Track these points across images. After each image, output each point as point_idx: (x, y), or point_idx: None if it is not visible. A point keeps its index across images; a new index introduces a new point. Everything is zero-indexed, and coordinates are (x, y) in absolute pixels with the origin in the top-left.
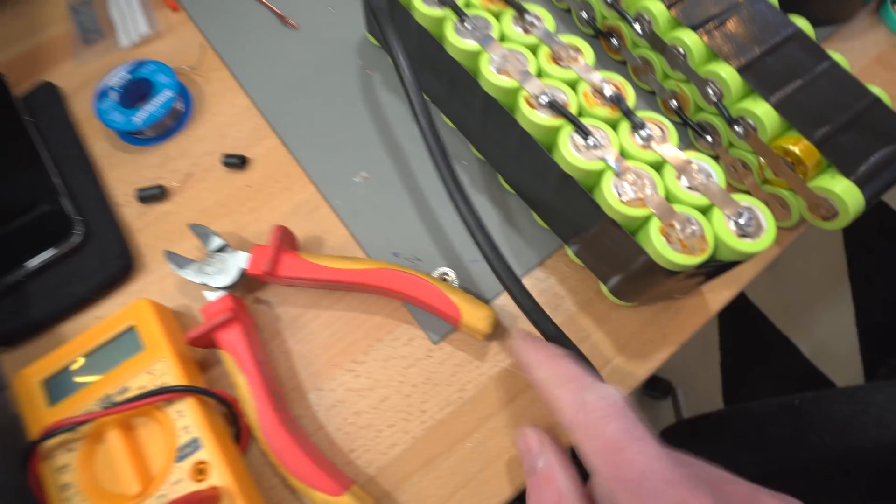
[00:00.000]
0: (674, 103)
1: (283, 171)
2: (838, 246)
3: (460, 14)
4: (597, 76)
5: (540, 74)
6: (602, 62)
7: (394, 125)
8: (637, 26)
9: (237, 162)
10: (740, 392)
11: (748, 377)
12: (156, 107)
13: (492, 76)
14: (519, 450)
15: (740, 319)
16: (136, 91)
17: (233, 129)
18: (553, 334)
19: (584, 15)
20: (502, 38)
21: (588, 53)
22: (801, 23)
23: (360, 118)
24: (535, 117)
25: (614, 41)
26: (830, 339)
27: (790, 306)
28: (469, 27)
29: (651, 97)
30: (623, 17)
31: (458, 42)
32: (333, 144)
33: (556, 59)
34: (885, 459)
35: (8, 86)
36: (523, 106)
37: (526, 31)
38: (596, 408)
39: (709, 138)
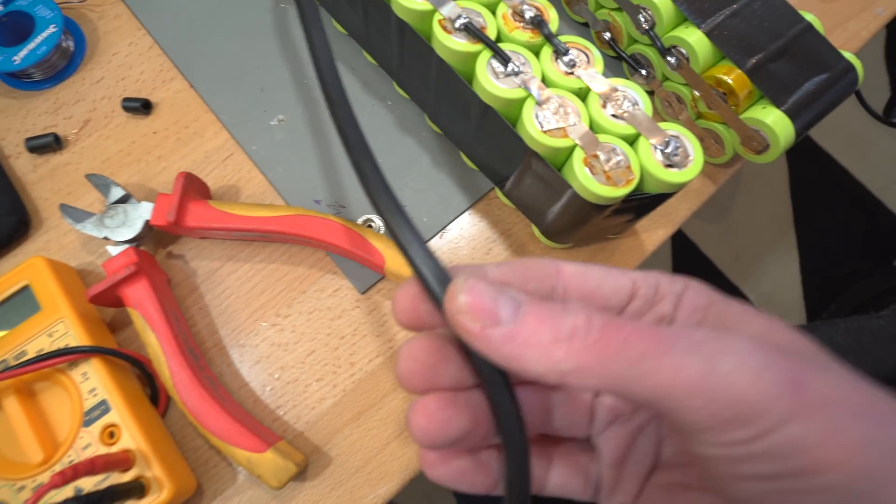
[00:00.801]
0: (607, 35)
1: (192, 116)
2: (785, 196)
3: None
4: None
5: None
6: None
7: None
8: None
9: (139, 106)
10: None
11: None
12: (38, 44)
13: None
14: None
15: (692, 269)
16: (15, 27)
17: (133, 71)
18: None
19: None
20: None
21: None
22: None
23: (274, 57)
24: (450, 43)
25: None
26: (777, 288)
27: (740, 256)
28: None
29: (584, 30)
30: None
31: None
32: (247, 86)
33: None
34: None
35: None
36: (438, 31)
37: None
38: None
39: (643, 72)
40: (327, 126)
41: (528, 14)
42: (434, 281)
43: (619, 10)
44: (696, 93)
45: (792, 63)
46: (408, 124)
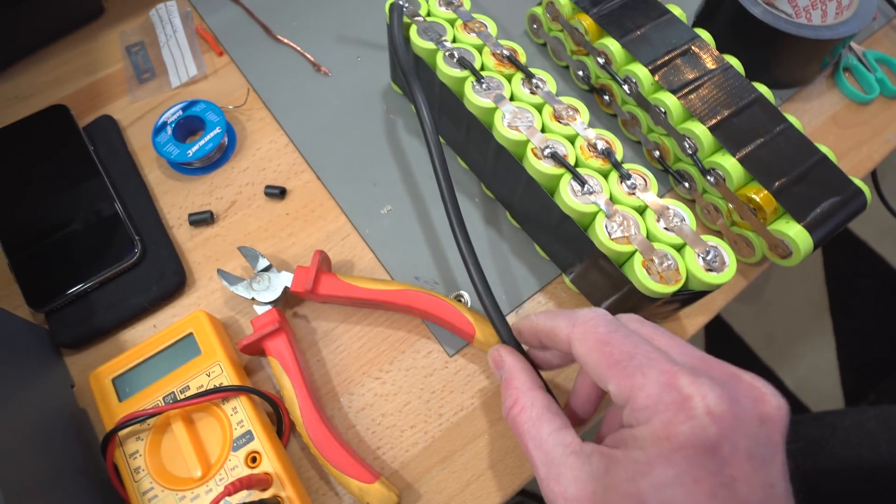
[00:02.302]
0: (657, 153)
1: (317, 202)
2: (820, 281)
3: (478, 76)
4: (591, 133)
5: (544, 130)
6: (596, 115)
7: (414, 165)
8: (625, 87)
9: (277, 192)
10: None
11: None
12: (206, 141)
13: (504, 130)
14: (492, 369)
15: (726, 350)
16: (187, 126)
17: (272, 163)
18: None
19: (581, 73)
20: (512, 98)
21: (584, 113)
22: (763, 89)
23: (385, 157)
24: (539, 166)
25: (606, 97)
26: (813, 373)
27: (774, 339)
28: (485, 87)
29: (638, 146)
30: (613, 78)
31: (476, 100)
32: (362, 180)
33: (558, 118)
34: (850, 479)
35: (73, 117)
36: (530, 156)
37: (532, 91)
38: (587, 318)
39: (686, 185)
40: (426, 216)
41: (600, 146)
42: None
43: (667, 135)
44: (731, 206)
45: (810, 186)
46: (491, 218)
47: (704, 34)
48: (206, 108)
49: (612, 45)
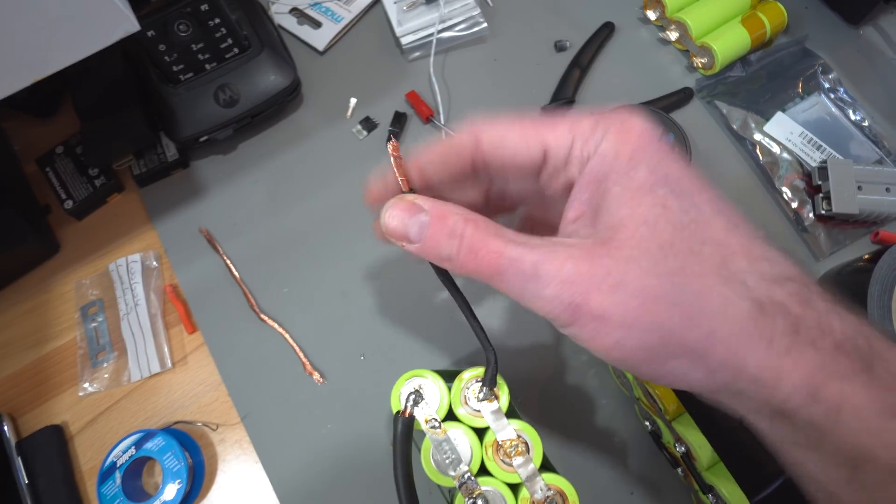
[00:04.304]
0: None
1: None
2: None
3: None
4: None
5: None
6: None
7: None
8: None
9: None
10: None
11: None
12: (163, 502)
13: None
14: (394, 235)
15: None
16: (140, 467)
17: None
18: None
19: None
20: None
21: None
22: None
23: None
24: None
25: (680, 471)
26: None
27: None
28: None
29: None
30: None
31: None
32: None
33: None
34: None
35: (6, 433)
36: None
37: None
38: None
39: None
40: None
41: None
42: None
43: None
44: None
45: None
46: None
47: None
48: (166, 446)
49: (698, 441)
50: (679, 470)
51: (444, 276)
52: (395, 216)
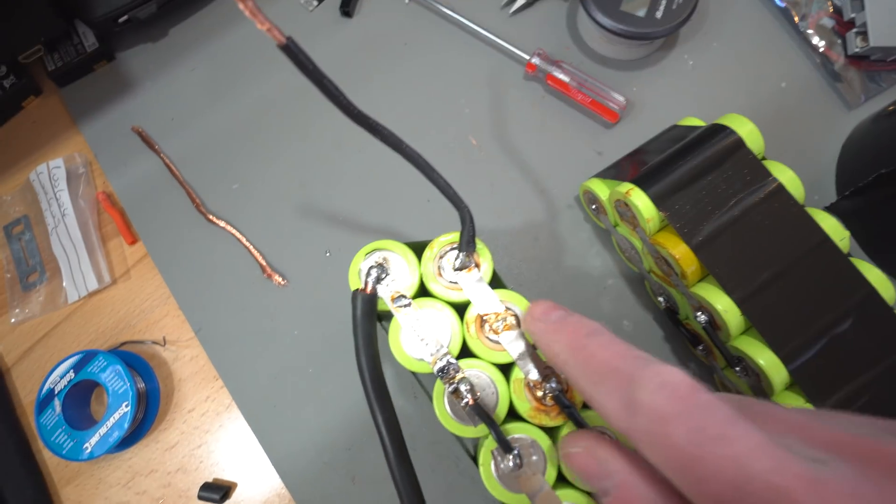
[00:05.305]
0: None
1: None
2: None
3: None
4: None
5: None
6: (678, 351)
7: None
8: (738, 370)
9: (216, 499)
10: None
11: None
12: (110, 428)
13: None
14: (576, 473)
15: None
16: (85, 393)
17: (213, 437)
18: None
19: (661, 298)
20: None
21: None
22: None
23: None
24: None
25: (701, 348)
26: None
27: None
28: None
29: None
30: (721, 352)
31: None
32: (341, 476)
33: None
34: None
35: None
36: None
37: None
38: (653, 408)
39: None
40: None
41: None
42: None
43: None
44: None
45: None
46: None
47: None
48: (108, 364)
49: (724, 305)
50: (700, 348)
51: None
52: (575, 459)
